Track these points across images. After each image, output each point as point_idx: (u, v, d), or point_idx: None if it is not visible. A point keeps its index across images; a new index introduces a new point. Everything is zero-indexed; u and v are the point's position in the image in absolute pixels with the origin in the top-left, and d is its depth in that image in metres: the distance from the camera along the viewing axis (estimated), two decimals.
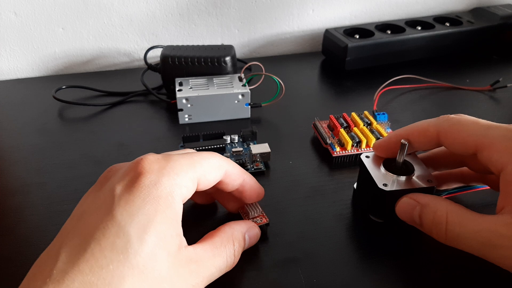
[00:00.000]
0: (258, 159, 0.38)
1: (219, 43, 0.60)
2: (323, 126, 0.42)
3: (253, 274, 0.28)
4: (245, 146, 0.40)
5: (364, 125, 0.41)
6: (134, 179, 0.22)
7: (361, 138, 0.39)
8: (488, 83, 0.52)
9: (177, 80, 0.46)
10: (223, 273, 0.25)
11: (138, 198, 0.22)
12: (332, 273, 0.28)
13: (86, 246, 0.20)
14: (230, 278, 0.28)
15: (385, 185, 0.29)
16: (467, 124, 0.27)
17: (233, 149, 0.39)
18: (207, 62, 0.47)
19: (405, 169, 0.30)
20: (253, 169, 0.37)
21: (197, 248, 0.24)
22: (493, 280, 0.28)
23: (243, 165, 0.37)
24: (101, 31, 0.56)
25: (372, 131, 0.40)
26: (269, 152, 0.38)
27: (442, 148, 0.31)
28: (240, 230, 0.27)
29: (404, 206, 0.29)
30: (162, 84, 0.51)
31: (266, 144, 0.38)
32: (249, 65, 0.52)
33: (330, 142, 0.40)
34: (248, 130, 0.41)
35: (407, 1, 0.65)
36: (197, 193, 0.27)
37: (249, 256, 0.29)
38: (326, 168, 0.38)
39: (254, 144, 0.41)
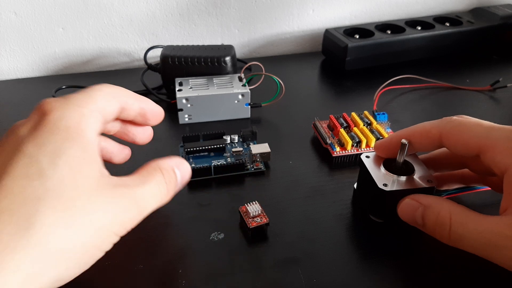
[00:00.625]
0: (258, 159, 0.38)
1: (219, 43, 0.60)
2: (323, 126, 0.42)
3: (253, 274, 0.28)
4: (245, 146, 0.40)
5: (364, 125, 0.41)
6: (39, 119, 0.22)
7: (361, 138, 0.39)
8: (488, 83, 0.52)
9: (177, 80, 0.46)
10: (159, 203, 0.26)
11: (45, 131, 0.22)
12: (332, 273, 0.28)
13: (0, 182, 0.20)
14: (230, 278, 0.28)
15: (385, 185, 0.29)
16: (470, 126, 0.27)
17: (233, 149, 0.39)
18: (207, 62, 0.47)
19: (405, 169, 0.30)
20: (253, 169, 0.37)
21: (123, 178, 0.24)
22: (493, 280, 0.28)
23: (243, 165, 0.37)
24: (101, 31, 0.56)
25: (372, 131, 0.40)
26: (269, 152, 0.38)
27: (443, 149, 0.31)
28: (167, 163, 0.27)
29: (406, 207, 0.28)
30: (162, 84, 0.51)
31: (266, 144, 0.38)
32: (249, 65, 0.52)
33: (330, 142, 0.40)
34: (248, 130, 0.41)
35: (407, 1, 0.65)
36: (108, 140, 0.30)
37: (249, 256, 0.29)
38: (326, 168, 0.38)
39: (254, 144, 0.40)
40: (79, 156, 0.21)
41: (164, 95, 0.50)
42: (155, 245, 0.30)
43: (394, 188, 0.29)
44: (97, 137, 0.24)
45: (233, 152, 0.39)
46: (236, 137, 0.40)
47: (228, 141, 0.40)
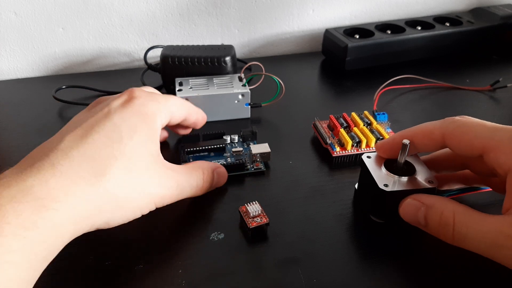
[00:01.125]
0: (258, 159, 0.38)
1: (219, 43, 0.60)
2: (323, 126, 0.42)
3: (253, 274, 0.28)
4: (245, 146, 0.40)
5: (364, 125, 0.41)
6: (127, 100, 0.29)
7: (361, 138, 0.39)
8: (488, 83, 0.52)
9: (177, 80, 0.46)
10: (193, 193, 0.31)
11: (130, 111, 0.28)
12: (332, 273, 0.28)
13: (87, 134, 0.26)
14: (230, 278, 0.28)
15: (386, 185, 0.29)
16: (473, 126, 0.27)
17: (233, 149, 0.39)
18: (207, 62, 0.47)
19: (406, 170, 0.30)
20: (253, 169, 0.37)
21: (173, 164, 0.30)
22: (493, 280, 0.28)
23: (243, 165, 0.37)
24: (101, 31, 0.56)
25: (372, 131, 0.40)
26: (269, 152, 0.38)
27: (445, 150, 0.31)
28: (209, 165, 0.33)
29: (408, 207, 0.28)
30: (162, 84, 0.51)
31: (266, 144, 0.38)
32: (249, 65, 0.52)
33: (330, 142, 0.40)
34: (248, 130, 0.41)
35: (407, 1, 0.65)
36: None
37: (249, 256, 0.29)
38: (326, 168, 0.38)
39: (254, 144, 0.40)
40: (147, 137, 0.28)
41: None
42: (155, 245, 0.30)
43: (395, 188, 0.29)
44: (161, 127, 0.31)
45: (233, 152, 0.39)
46: (236, 137, 0.40)
47: (228, 141, 0.40)
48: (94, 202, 0.24)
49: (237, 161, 0.37)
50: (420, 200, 0.28)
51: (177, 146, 0.41)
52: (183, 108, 0.34)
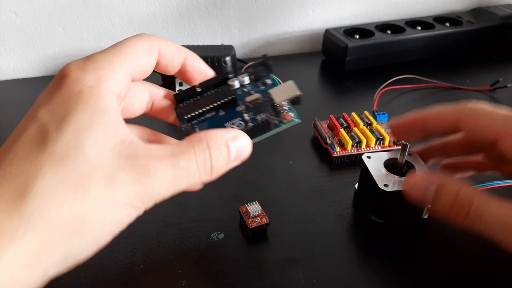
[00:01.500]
0: (285, 108, 0.25)
1: (219, 43, 0.60)
2: (323, 126, 0.42)
3: (253, 274, 0.28)
4: (261, 87, 0.27)
5: (364, 125, 0.41)
6: (55, 84, 0.21)
7: (361, 138, 0.39)
8: (488, 83, 0.52)
9: (177, 80, 0.46)
10: (196, 180, 0.21)
11: (59, 97, 0.20)
12: (332, 273, 0.28)
13: (10, 145, 0.19)
14: (229, 278, 0.28)
15: (386, 185, 0.29)
16: (487, 113, 0.27)
17: (247, 98, 0.26)
18: (207, 62, 0.46)
19: (406, 170, 0.30)
20: (283, 125, 0.25)
21: (152, 146, 0.20)
22: (493, 280, 0.28)
23: (268, 124, 0.25)
24: (101, 31, 0.56)
25: (372, 131, 0.40)
26: (299, 95, 0.25)
27: (457, 135, 0.30)
28: (220, 135, 0.22)
29: (418, 181, 0.27)
30: (162, 84, 0.51)
31: (291, 82, 0.26)
32: (249, 65, 0.52)
33: (330, 142, 0.40)
34: (258, 63, 0.28)
35: (407, 1, 0.65)
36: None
37: (249, 256, 0.29)
38: (326, 168, 0.38)
39: (274, 84, 0.27)
40: (89, 120, 0.19)
41: None
42: (155, 245, 0.30)
43: (395, 188, 0.29)
44: (115, 98, 0.21)
45: (248, 102, 0.26)
46: (246, 79, 0.27)
47: (237, 86, 0.27)
48: (31, 234, 0.17)
49: (259, 119, 0.25)
50: (429, 178, 0.26)
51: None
52: (147, 50, 0.24)
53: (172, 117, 0.27)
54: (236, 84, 0.27)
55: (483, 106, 0.28)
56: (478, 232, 0.25)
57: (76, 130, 0.19)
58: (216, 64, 0.47)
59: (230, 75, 0.27)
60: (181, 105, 0.27)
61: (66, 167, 0.18)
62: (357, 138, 0.39)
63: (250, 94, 0.26)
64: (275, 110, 0.25)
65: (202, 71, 0.26)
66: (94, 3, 0.54)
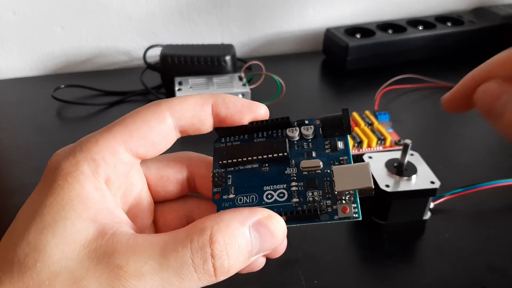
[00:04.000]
0: (346, 198, 0.18)
1: (219, 42, 0.60)
2: None
3: (253, 275, 0.28)
4: (327, 149, 0.20)
5: (365, 125, 0.41)
6: (43, 174, 0.18)
7: (362, 138, 0.39)
8: None
9: (177, 80, 0.46)
10: (188, 285, 0.16)
11: (36, 190, 0.18)
12: (332, 274, 0.28)
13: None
14: (230, 278, 0.27)
15: (387, 186, 0.29)
16: None
17: (303, 163, 0.19)
18: (206, 61, 0.47)
19: (407, 170, 0.30)
20: (336, 218, 0.18)
21: (140, 238, 0.16)
22: (493, 280, 0.27)
23: (316, 213, 0.18)
24: (100, 30, 0.56)
25: (373, 131, 0.40)
26: (371, 189, 0.18)
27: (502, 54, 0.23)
28: (238, 220, 0.17)
29: (486, 93, 0.22)
30: (161, 84, 0.51)
31: (366, 165, 0.18)
32: (249, 65, 0.51)
33: None
34: (334, 117, 0.20)
35: (408, 0, 0.64)
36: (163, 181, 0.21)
37: None
38: None
39: (346, 153, 0.19)
40: (56, 216, 0.16)
41: (163, 95, 0.50)
42: None
43: (397, 189, 0.29)
44: (107, 183, 0.18)
45: (303, 168, 0.19)
46: (310, 132, 0.20)
47: (297, 138, 0.20)
48: None
49: (309, 201, 0.18)
50: (503, 87, 0.21)
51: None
52: (156, 116, 0.19)
53: None
54: (296, 135, 0.20)
55: None
56: None
57: (39, 229, 0.16)
58: (216, 63, 0.47)
59: (293, 122, 0.21)
60: (222, 141, 0.21)
61: (24, 276, 0.15)
62: (358, 138, 0.39)
63: (308, 156, 0.20)
64: (333, 193, 0.18)
65: (245, 107, 0.20)
66: (93, 2, 0.54)
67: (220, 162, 0.20)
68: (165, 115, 0.19)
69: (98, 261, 0.16)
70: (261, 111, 0.20)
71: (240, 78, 0.46)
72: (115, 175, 0.18)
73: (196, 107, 0.19)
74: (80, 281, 0.15)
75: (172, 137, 0.19)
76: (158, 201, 0.21)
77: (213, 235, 0.16)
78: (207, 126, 0.20)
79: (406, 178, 0.29)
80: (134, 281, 0.15)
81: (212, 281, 0.17)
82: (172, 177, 0.21)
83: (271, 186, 0.19)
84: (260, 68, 0.50)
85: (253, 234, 0.17)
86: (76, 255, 0.16)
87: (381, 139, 0.39)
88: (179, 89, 0.44)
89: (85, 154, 0.18)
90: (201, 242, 0.16)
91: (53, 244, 0.16)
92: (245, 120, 0.20)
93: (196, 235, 0.16)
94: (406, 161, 0.30)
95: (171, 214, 0.22)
